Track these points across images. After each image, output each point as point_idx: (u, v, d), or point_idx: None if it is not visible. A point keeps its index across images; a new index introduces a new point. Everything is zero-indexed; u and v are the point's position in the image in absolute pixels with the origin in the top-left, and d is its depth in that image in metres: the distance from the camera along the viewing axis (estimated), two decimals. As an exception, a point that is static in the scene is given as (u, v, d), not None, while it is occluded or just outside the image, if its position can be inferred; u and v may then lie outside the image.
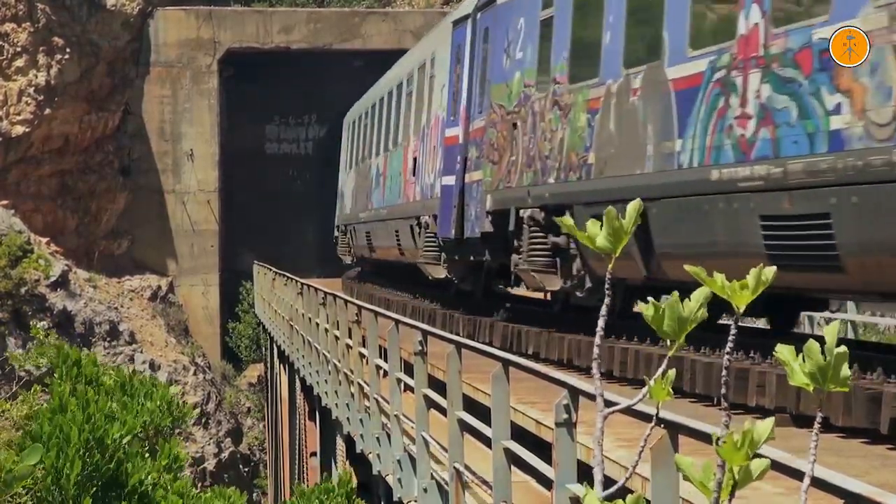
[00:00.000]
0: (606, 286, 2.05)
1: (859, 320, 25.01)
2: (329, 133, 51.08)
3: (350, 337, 17.46)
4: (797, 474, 4.24)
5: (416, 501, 12.61)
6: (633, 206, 2.15)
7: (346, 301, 18.50)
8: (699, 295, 2.06)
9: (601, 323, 2.05)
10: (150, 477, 13.55)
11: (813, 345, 2.07)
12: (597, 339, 2.07)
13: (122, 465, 13.11)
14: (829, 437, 9.68)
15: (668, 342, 2.09)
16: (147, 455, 14.07)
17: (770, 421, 2.03)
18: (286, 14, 46.00)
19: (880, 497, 3.99)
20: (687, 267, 2.13)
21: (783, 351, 2.01)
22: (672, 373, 2.09)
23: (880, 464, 8.95)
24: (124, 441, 13.58)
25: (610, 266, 2.03)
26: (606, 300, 2.11)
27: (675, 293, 2.10)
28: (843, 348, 2.04)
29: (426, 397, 12.09)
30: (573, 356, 15.37)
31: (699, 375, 12.03)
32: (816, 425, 1.99)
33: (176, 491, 13.99)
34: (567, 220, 2.16)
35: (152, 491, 13.46)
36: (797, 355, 2.06)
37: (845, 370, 2.01)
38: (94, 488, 12.72)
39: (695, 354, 12.45)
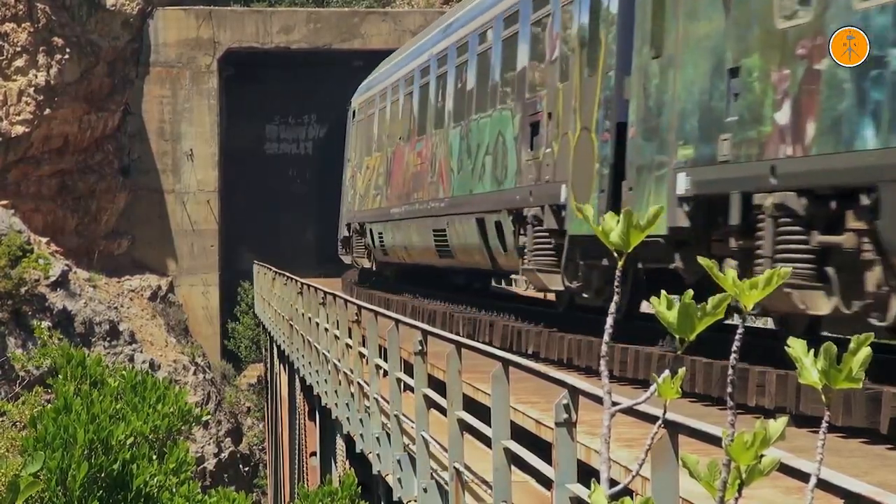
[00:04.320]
0: (616, 284, 2.07)
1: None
2: (329, 133, 51.11)
3: (350, 337, 17.47)
4: (798, 474, 4.25)
5: (416, 501, 12.62)
6: (653, 210, 2.16)
7: (346, 301, 18.51)
8: (719, 297, 2.08)
9: (610, 321, 2.07)
10: (155, 479, 13.53)
11: (830, 346, 2.09)
12: (605, 337, 2.08)
13: (127, 466, 13.10)
14: (830, 437, 9.66)
15: (678, 340, 2.10)
16: (154, 458, 14.05)
17: (782, 421, 2.05)
18: (286, 14, 46.00)
19: (880, 497, 4.00)
20: (700, 259, 2.15)
21: (795, 346, 2.03)
22: (682, 371, 2.10)
23: (880, 464, 8.97)
24: (129, 442, 13.56)
25: (620, 263, 2.04)
26: (616, 297, 2.12)
27: (690, 291, 2.11)
28: (867, 349, 2.09)
29: (426, 397, 12.10)
30: (573, 356, 15.39)
31: (699, 375, 12.05)
32: (824, 424, 2.00)
33: (182, 494, 13.98)
34: (587, 210, 2.34)
35: (158, 493, 13.45)
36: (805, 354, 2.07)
37: (860, 371, 2.03)
38: (100, 490, 12.71)
39: (694, 354, 12.46)
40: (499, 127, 18.62)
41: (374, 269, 30.82)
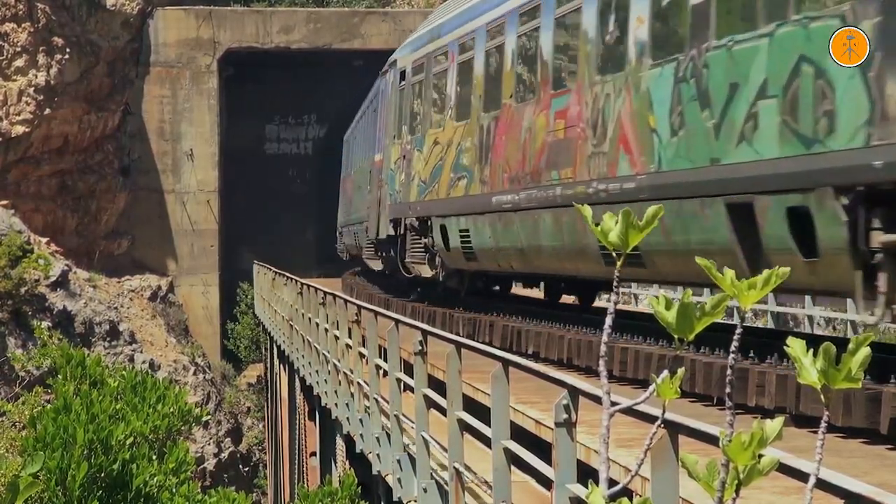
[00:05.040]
0: (614, 284, 2.06)
1: (859, 320, 25.01)
2: (329, 133, 51.12)
3: (350, 337, 17.47)
4: (798, 474, 4.24)
5: (416, 501, 12.62)
6: (652, 210, 2.17)
7: (345, 301, 18.51)
8: (717, 297, 2.07)
9: (608, 321, 2.07)
10: (155, 479, 13.54)
11: (829, 346, 2.09)
12: (603, 337, 2.08)
13: (127, 466, 13.11)
14: (829, 437, 9.69)
15: (676, 340, 2.10)
16: (154, 458, 14.06)
17: (779, 421, 2.04)
18: (286, 14, 46.00)
19: (880, 497, 4.00)
20: (698, 259, 2.14)
21: (794, 346, 2.02)
22: (681, 371, 2.10)
23: (880, 464, 8.97)
24: (128, 442, 13.57)
25: (619, 264, 2.03)
26: (613, 297, 2.12)
27: (689, 290, 2.11)
28: (866, 349, 2.08)
29: (426, 397, 12.10)
30: (573, 356, 15.39)
31: (699, 375, 12.05)
32: (823, 424, 2.00)
33: (182, 494, 13.99)
34: (585, 210, 2.24)
35: (158, 493, 13.46)
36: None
37: (859, 371, 2.02)
38: (100, 490, 12.72)
39: (694, 354, 12.46)
40: (798, 50, 11.33)
41: (439, 278, 22.62)
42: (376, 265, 29.06)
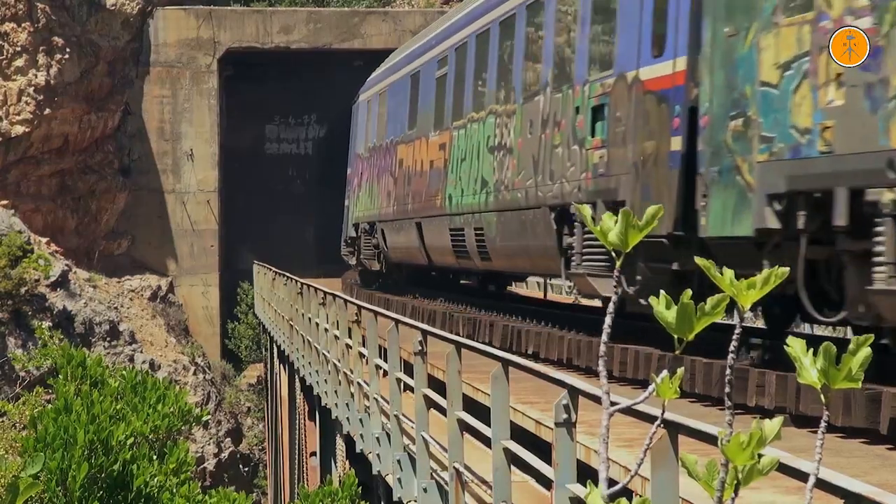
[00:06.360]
0: (613, 283, 2.06)
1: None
2: (329, 133, 51.12)
3: (350, 337, 17.47)
4: (798, 474, 4.25)
5: (416, 501, 12.62)
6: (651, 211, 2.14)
7: (345, 301, 18.51)
8: (717, 297, 2.07)
9: (608, 321, 2.07)
10: (156, 480, 13.54)
11: (829, 345, 2.08)
12: (603, 338, 2.08)
13: (127, 467, 13.11)
14: (829, 437, 9.70)
15: (676, 340, 2.10)
16: (155, 458, 14.06)
17: (778, 421, 2.04)
18: (286, 14, 46.00)
19: (880, 497, 4.00)
20: (698, 259, 2.14)
21: (794, 346, 2.02)
22: (681, 371, 2.10)
23: (880, 464, 8.97)
24: (129, 442, 13.57)
25: (618, 263, 2.03)
26: (613, 297, 2.12)
27: (689, 291, 2.11)
28: (866, 350, 2.07)
29: (426, 397, 12.10)
30: (573, 356, 15.39)
31: (699, 375, 12.05)
32: (822, 424, 2.00)
33: (182, 494, 13.98)
34: (584, 209, 2.14)
35: (158, 494, 13.46)
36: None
37: (859, 372, 2.02)
38: (100, 491, 12.72)
39: (694, 354, 12.46)
40: None
41: None
42: (605, 289, 14.37)
